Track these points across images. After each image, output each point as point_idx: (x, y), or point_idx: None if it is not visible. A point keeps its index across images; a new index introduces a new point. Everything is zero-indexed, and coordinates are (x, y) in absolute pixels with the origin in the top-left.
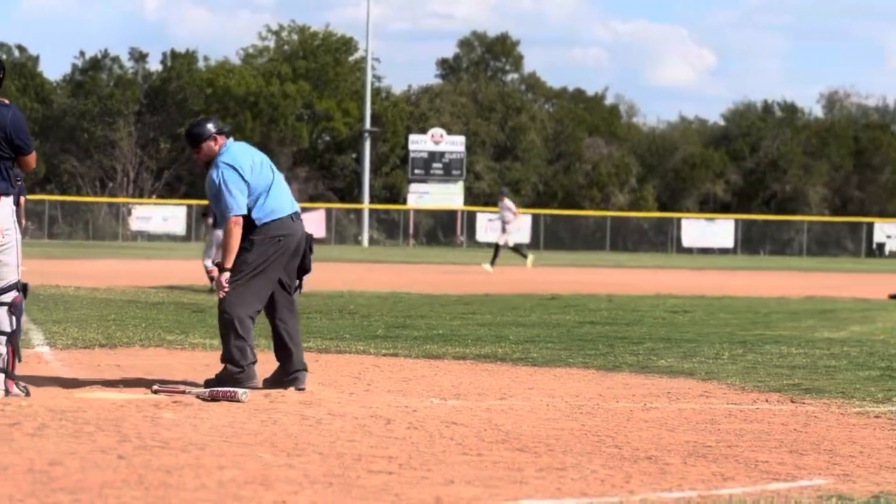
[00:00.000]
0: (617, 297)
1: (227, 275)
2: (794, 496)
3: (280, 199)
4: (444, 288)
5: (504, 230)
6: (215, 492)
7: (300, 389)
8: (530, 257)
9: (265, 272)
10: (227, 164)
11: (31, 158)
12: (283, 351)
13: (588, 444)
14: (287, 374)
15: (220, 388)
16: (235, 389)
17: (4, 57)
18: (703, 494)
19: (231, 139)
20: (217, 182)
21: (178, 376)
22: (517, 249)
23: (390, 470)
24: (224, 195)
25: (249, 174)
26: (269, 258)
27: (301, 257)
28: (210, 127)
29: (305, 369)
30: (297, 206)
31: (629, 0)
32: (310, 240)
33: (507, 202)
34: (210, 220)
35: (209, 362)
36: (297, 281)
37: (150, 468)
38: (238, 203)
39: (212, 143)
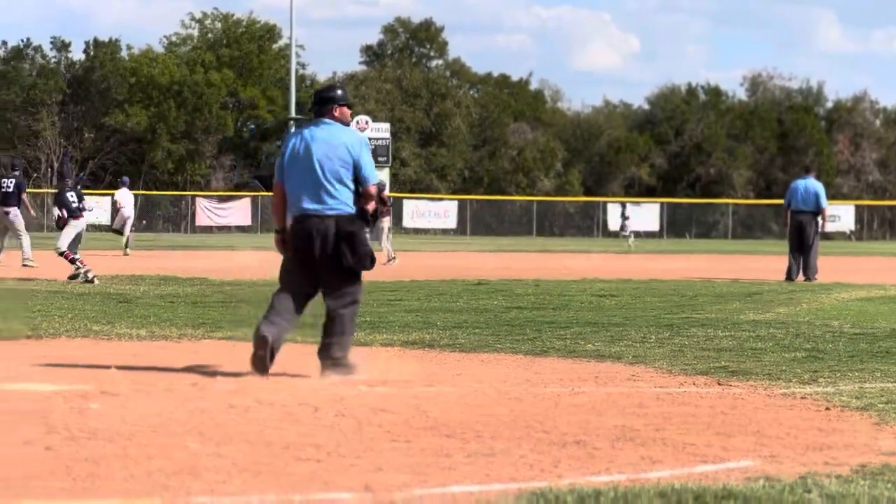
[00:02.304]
0: (544, 281)
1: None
2: (722, 478)
3: (290, 196)
4: (371, 275)
5: (120, 215)
6: (144, 482)
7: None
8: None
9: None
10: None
11: None
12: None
13: (516, 430)
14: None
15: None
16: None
17: None
18: (632, 478)
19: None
20: None
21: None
22: (119, 231)
23: (319, 458)
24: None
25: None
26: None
27: (329, 257)
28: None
29: (329, 360)
30: (305, 208)
31: None
32: (341, 235)
33: (122, 191)
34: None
35: (136, 352)
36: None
37: (78, 459)
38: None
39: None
